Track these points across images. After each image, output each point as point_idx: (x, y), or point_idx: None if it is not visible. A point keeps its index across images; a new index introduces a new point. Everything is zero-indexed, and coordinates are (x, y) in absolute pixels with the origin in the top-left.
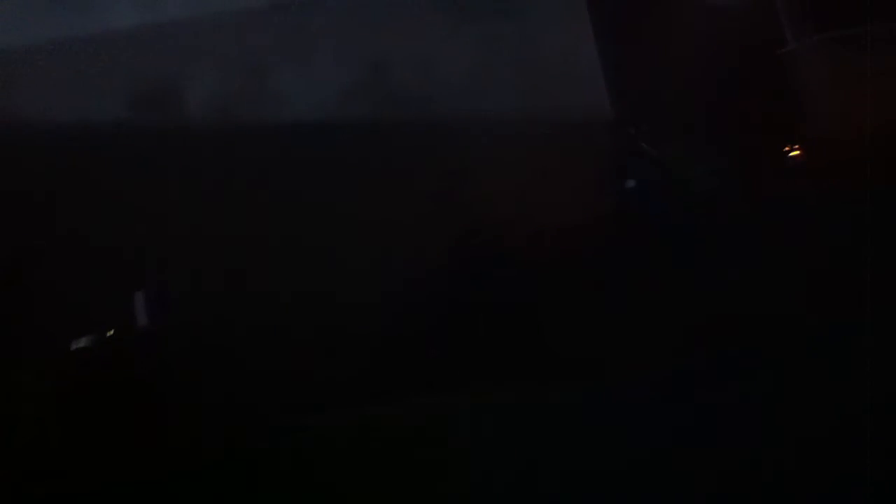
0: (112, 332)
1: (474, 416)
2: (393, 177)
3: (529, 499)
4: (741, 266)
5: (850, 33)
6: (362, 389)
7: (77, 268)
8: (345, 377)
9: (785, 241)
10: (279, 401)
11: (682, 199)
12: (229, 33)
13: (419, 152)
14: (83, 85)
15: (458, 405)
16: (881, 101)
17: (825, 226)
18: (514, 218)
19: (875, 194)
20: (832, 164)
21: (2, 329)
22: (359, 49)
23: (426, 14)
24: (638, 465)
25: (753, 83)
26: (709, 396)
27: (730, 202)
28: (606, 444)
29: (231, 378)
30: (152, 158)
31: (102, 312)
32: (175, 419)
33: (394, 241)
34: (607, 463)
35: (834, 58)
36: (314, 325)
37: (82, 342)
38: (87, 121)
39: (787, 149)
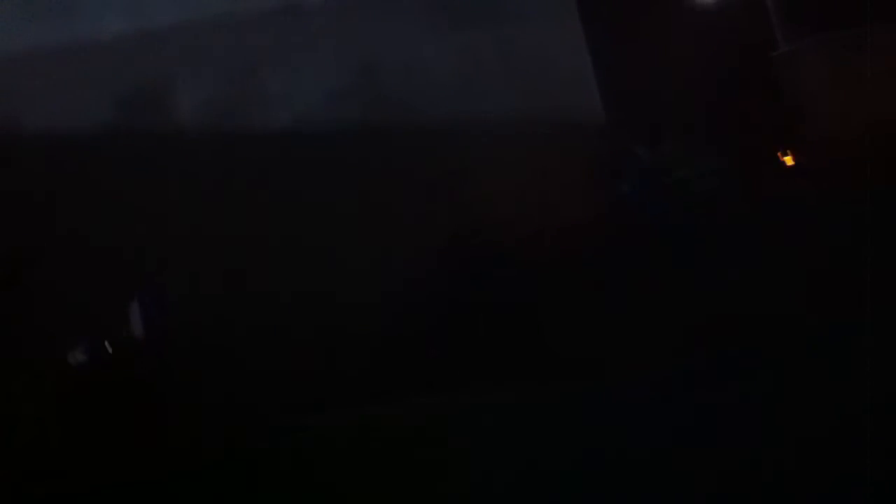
0: (112, 332)
1: (474, 416)
2: (393, 177)
3: (529, 498)
4: (737, 266)
5: (842, 36)
6: (362, 389)
7: (76, 270)
8: (345, 377)
9: (778, 240)
10: (279, 401)
11: (678, 200)
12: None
13: (419, 154)
14: (80, 89)
15: (458, 405)
16: (869, 103)
17: (821, 226)
18: (512, 219)
19: (872, 195)
20: (826, 165)
21: (2, 329)
22: (359, 53)
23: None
24: (638, 465)
25: (748, 85)
26: (709, 396)
27: (727, 202)
28: (606, 443)
29: (231, 378)
30: (146, 162)
31: (103, 313)
32: (175, 419)
33: (393, 241)
34: (607, 463)
35: (823, 61)
36: (314, 325)
37: (82, 343)
38: (81, 124)
39: (781, 150)
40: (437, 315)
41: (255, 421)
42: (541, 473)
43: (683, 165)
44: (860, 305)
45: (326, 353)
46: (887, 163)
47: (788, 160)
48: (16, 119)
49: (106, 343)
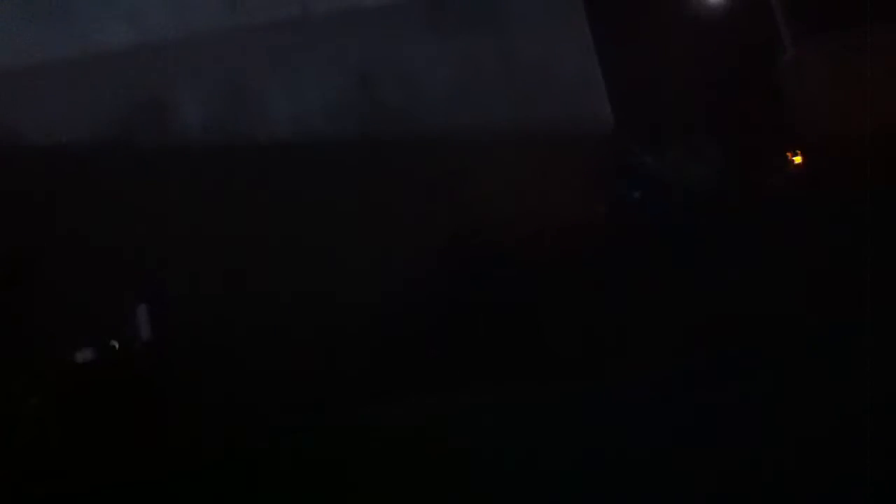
0: (112, 332)
1: (474, 416)
2: (393, 178)
3: (529, 498)
4: (737, 266)
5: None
6: (362, 389)
7: (76, 270)
8: (345, 377)
9: (778, 240)
10: (279, 401)
11: (678, 200)
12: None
13: (420, 155)
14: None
15: (458, 405)
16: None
17: (821, 226)
18: (512, 219)
19: (872, 195)
20: (826, 165)
21: (2, 329)
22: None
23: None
24: (638, 465)
25: (748, 85)
26: (709, 396)
27: (727, 202)
28: (606, 443)
29: (231, 378)
30: (148, 165)
31: (103, 314)
32: (175, 419)
33: (393, 241)
34: (607, 463)
35: (824, 61)
36: (314, 325)
37: (82, 342)
38: (82, 135)
39: (781, 150)
40: (437, 315)
41: (255, 421)
42: (541, 473)
43: (683, 166)
44: (860, 305)
45: (326, 353)
46: (887, 163)
47: (788, 160)
48: (16, 123)
49: (106, 343)
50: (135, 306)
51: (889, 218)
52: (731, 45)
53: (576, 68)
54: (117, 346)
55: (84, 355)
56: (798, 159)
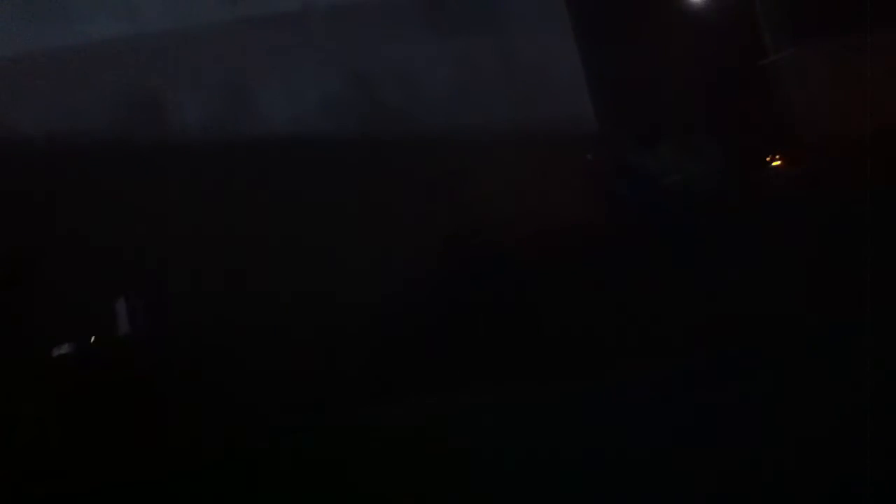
0: (112, 332)
1: (474, 416)
2: (393, 178)
3: (529, 498)
4: (737, 266)
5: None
6: (362, 389)
7: (75, 270)
8: (345, 377)
9: (778, 240)
10: (279, 401)
11: (678, 200)
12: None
13: (419, 155)
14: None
15: (458, 405)
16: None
17: (821, 226)
18: (512, 219)
19: (872, 195)
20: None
21: (2, 329)
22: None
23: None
24: (638, 465)
25: (747, 85)
26: (709, 396)
27: (727, 202)
28: (606, 443)
29: (231, 378)
30: (149, 164)
31: (103, 313)
32: (175, 419)
33: (393, 241)
34: (607, 463)
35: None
36: (314, 325)
37: (82, 342)
38: (74, 128)
39: (780, 150)
40: (437, 315)
41: (255, 421)
42: (541, 473)
43: (683, 166)
44: (860, 305)
45: (326, 353)
46: (887, 163)
47: (787, 161)
48: (14, 121)
49: (106, 343)
50: (134, 306)
51: (889, 218)
52: (731, 44)
53: (575, 68)
54: (117, 345)
55: (84, 355)
56: (797, 159)
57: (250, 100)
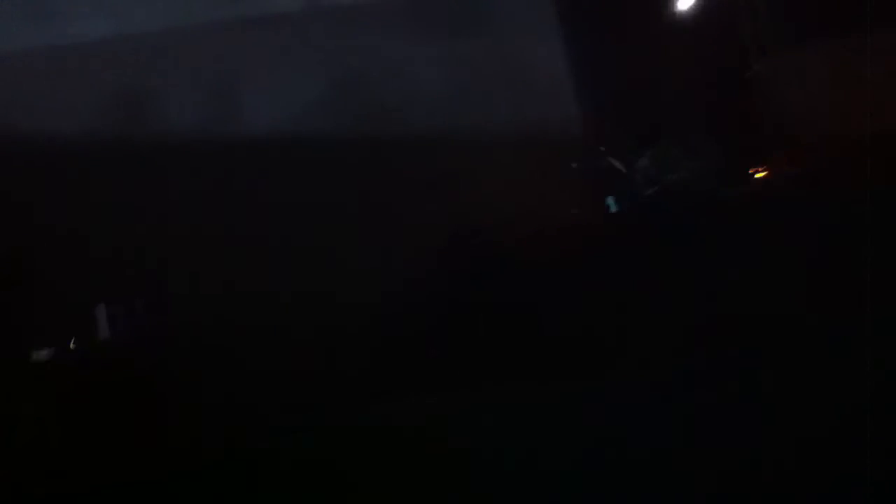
0: (111, 331)
1: (474, 416)
2: (393, 178)
3: (529, 498)
4: (737, 266)
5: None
6: (362, 389)
7: (75, 270)
8: (345, 377)
9: (778, 240)
10: (279, 401)
11: (677, 200)
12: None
13: (421, 155)
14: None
15: (458, 405)
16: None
17: (821, 226)
18: (512, 219)
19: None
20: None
21: (2, 329)
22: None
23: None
24: (638, 465)
25: (746, 85)
26: (709, 396)
27: (726, 202)
28: (606, 443)
29: (231, 378)
30: (145, 163)
31: (102, 313)
32: (175, 419)
33: (393, 241)
34: (607, 463)
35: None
36: (314, 325)
37: (82, 342)
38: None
39: (780, 151)
40: (437, 315)
41: (255, 421)
42: (541, 473)
43: (683, 166)
44: (860, 305)
45: (326, 353)
46: (887, 163)
47: (788, 161)
48: (12, 119)
49: (105, 343)
50: (133, 306)
51: (889, 218)
52: (731, 44)
53: (575, 68)
54: (117, 345)
55: (83, 355)
56: (796, 159)
57: (250, 99)
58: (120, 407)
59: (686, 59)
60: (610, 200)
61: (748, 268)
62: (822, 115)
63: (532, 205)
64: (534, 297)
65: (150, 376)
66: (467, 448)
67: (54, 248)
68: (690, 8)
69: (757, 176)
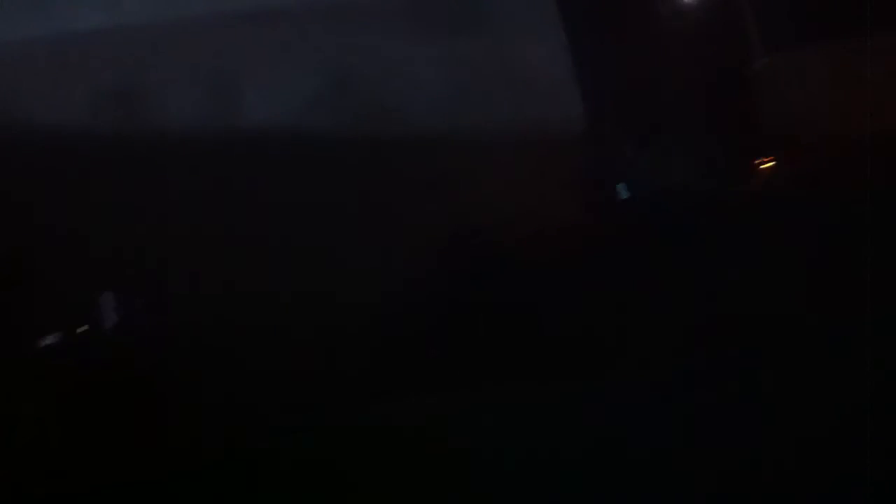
0: (111, 331)
1: (474, 416)
2: (393, 178)
3: (529, 498)
4: (737, 266)
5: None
6: (362, 389)
7: (75, 269)
8: (345, 377)
9: (778, 240)
10: (279, 401)
11: (677, 200)
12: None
13: (421, 155)
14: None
15: (458, 405)
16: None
17: (821, 226)
18: (512, 219)
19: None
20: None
21: (2, 329)
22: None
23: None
24: (638, 465)
25: (747, 87)
26: (709, 396)
27: (726, 202)
28: (606, 443)
29: (231, 378)
30: (144, 162)
31: (102, 313)
32: (175, 419)
33: (393, 241)
34: (607, 462)
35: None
36: (314, 325)
37: (82, 341)
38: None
39: (779, 150)
40: (437, 315)
41: (255, 421)
42: (541, 473)
43: (682, 166)
44: (860, 305)
45: (326, 353)
46: (887, 163)
47: (787, 161)
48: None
49: (105, 342)
50: (133, 305)
51: (889, 218)
52: (731, 44)
53: (573, 69)
54: (117, 345)
55: (83, 354)
56: (796, 159)
57: (249, 97)
58: (120, 407)
59: (686, 58)
60: (610, 200)
61: (748, 268)
62: (822, 115)
63: (532, 205)
64: (534, 297)
65: (150, 376)
66: (467, 448)
67: (53, 248)
68: (690, 8)
69: (757, 176)
